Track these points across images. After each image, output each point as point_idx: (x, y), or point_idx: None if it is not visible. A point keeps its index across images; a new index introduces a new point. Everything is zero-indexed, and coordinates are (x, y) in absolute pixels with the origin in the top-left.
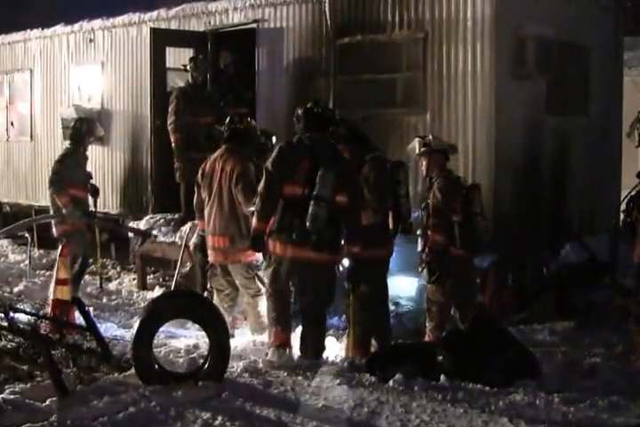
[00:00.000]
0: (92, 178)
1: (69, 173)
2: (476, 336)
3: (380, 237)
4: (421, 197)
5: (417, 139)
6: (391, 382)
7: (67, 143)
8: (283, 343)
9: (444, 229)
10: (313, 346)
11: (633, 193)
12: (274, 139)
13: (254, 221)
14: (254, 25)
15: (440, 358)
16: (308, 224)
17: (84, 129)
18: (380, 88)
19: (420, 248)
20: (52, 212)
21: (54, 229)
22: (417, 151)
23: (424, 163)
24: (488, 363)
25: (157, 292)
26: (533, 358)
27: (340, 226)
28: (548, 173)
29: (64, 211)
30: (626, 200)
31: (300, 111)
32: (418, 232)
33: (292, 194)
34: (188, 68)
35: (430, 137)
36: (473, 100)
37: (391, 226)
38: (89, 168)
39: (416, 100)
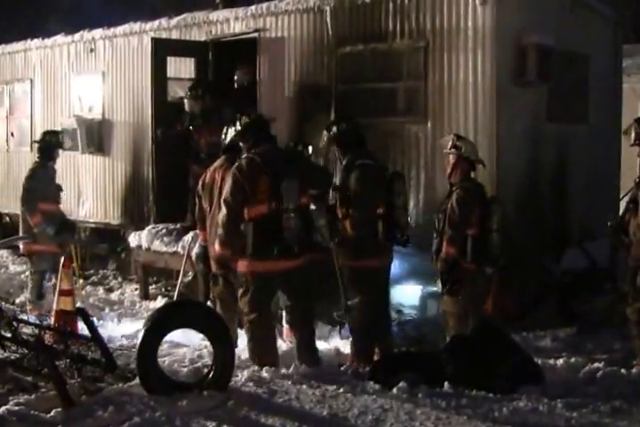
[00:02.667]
0: (62, 190)
1: (41, 189)
2: (479, 343)
3: (371, 247)
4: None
5: (452, 135)
6: (395, 390)
7: (36, 157)
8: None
9: (457, 242)
10: (313, 349)
11: (627, 198)
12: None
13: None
14: (255, 34)
15: (443, 365)
16: (285, 238)
17: (53, 142)
18: (380, 97)
19: (434, 248)
20: (21, 228)
21: (21, 247)
22: (446, 149)
23: (450, 164)
24: (491, 370)
25: (160, 302)
26: (536, 364)
27: (310, 223)
28: (548, 181)
29: (35, 230)
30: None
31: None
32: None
33: (259, 213)
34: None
35: (465, 141)
36: (474, 109)
37: (380, 236)
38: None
39: (417, 109)
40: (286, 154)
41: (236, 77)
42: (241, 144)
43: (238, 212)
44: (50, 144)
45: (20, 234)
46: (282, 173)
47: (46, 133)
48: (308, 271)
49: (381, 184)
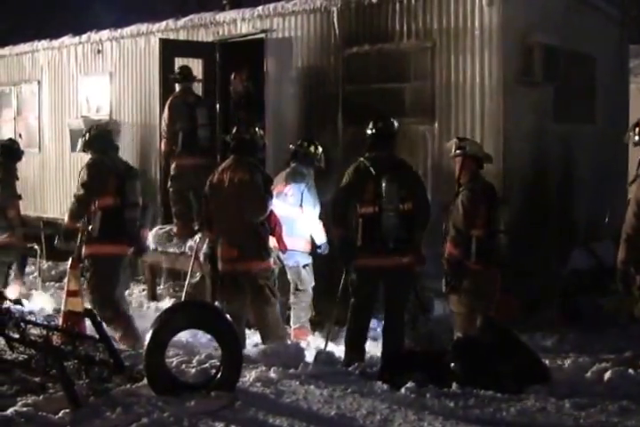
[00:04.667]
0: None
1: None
2: (486, 343)
3: (378, 248)
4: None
5: (455, 139)
6: (403, 390)
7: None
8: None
9: (461, 243)
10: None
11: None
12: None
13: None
14: (262, 35)
15: (451, 365)
16: (384, 235)
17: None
18: (388, 97)
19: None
20: None
21: None
22: (451, 153)
23: (456, 166)
24: (499, 370)
25: (168, 302)
26: (543, 364)
27: (410, 230)
28: (555, 181)
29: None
30: None
31: (368, 131)
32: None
33: (366, 212)
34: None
35: (468, 141)
36: (481, 109)
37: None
38: None
39: (424, 110)
40: (395, 160)
41: (231, 87)
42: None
43: (346, 209)
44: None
45: None
46: (384, 177)
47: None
48: (403, 271)
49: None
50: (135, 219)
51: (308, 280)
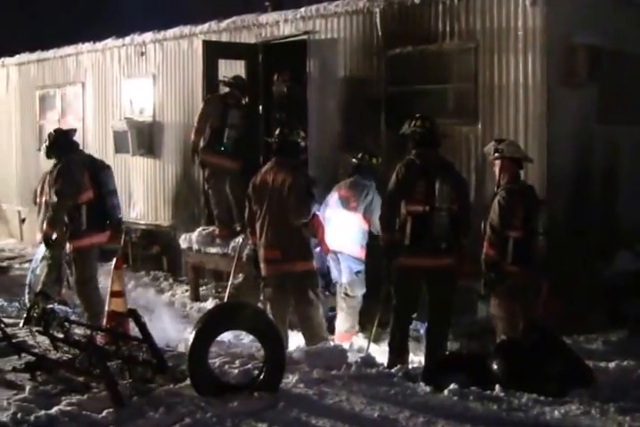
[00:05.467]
0: None
1: None
2: (529, 346)
3: (428, 247)
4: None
5: (493, 142)
6: (446, 392)
7: None
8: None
9: (497, 245)
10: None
11: None
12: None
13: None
14: (305, 36)
15: (494, 367)
16: (435, 234)
17: None
18: (430, 99)
19: None
20: None
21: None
22: (490, 155)
23: (496, 168)
24: (542, 373)
25: (210, 303)
26: (587, 367)
27: (457, 231)
28: (599, 183)
29: None
30: None
31: (408, 130)
32: None
33: (414, 211)
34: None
35: (505, 143)
36: (524, 110)
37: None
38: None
39: (467, 111)
40: (443, 159)
41: (274, 87)
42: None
43: (397, 207)
44: None
45: None
46: (437, 176)
47: None
48: (449, 272)
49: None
50: (117, 205)
51: (360, 287)
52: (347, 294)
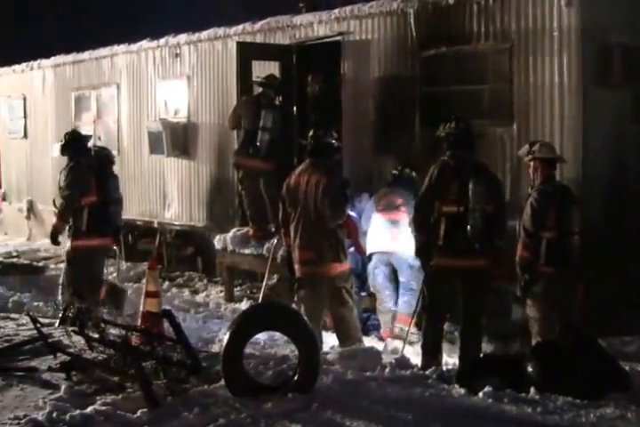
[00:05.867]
0: None
1: None
2: (565, 348)
3: (461, 248)
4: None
5: (527, 145)
6: (480, 395)
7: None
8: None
9: (530, 246)
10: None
11: None
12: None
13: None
14: (339, 38)
15: (529, 370)
16: (469, 235)
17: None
18: (465, 99)
19: None
20: None
21: None
22: (524, 157)
23: (530, 170)
24: (578, 375)
25: (245, 304)
26: (623, 370)
27: (491, 233)
28: (635, 184)
29: None
30: None
31: (442, 132)
32: None
33: (449, 211)
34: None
35: (538, 144)
36: (560, 111)
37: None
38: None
39: (502, 112)
40: (477, 161)
41: (308, 88)
42: None
43: (431, 209)
44: None
45: None
46: (470, 177)
47: None
48: (483, 273)
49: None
50: (119, 213)
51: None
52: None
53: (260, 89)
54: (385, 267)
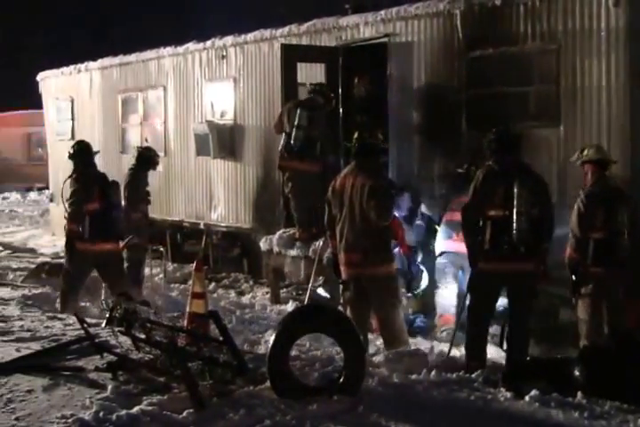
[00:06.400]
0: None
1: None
2: (614, 352)
3: (507, 252)
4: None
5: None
6: (527, 398)
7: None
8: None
9: (578, 247)
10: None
11: None
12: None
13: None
14: (385, 39)
15: (577, 374)
16: (514, 239)
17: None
18: (511, 101)
19: None
20: None
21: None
22: (575, 162)
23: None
24: (626, 380)
25: (290, 306)
26: None
27: (537, 237)
28: None
29: None
30: None
31: (491, 136)
32: None
33: (496, 215)
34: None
35: (587, 147)
36: (607, 112)
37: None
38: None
39: (549, 113)
40: (523, 164)
41: (354, 90)
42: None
43: (478, 213)
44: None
45: None
46: (515, 180)
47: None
48: (529, 277)
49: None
50: (118, 218)
51: None
52: None
53: (310, 95)
54: (454, 268)
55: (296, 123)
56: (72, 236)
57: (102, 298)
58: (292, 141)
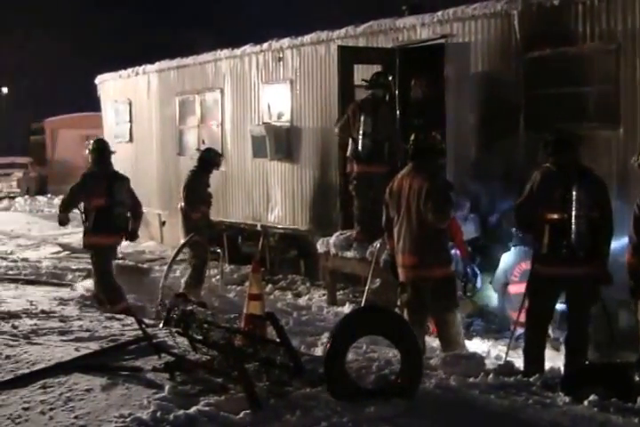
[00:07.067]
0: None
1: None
2: None
3: (565, 256)
4: None
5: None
6: (586, 403)
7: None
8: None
9: (635, 251)
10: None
11: None
12: None
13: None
14: (442, 40)
15: (637, 379)
16: (573, 242)
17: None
18: (570, 102)
19: None
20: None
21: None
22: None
23: None
24: None
25: (347, 308)
26: None
27: (596, 240)
28: None
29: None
30: None
31: (549, 139)
32: None
33: (552, 218)
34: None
35: None
36: None
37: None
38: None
39: (608, 114)
40: (581, 166)
41: (412, 92)
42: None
43: (529, 215)
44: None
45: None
46: (574, 182)
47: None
48: (588, 281)
49: None
50: (122, 214)
51: None
52: None
53: (368, 92)
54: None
55: (361, 131)
56: (61, 224)
57: (160, 299)
58: (359, 149)
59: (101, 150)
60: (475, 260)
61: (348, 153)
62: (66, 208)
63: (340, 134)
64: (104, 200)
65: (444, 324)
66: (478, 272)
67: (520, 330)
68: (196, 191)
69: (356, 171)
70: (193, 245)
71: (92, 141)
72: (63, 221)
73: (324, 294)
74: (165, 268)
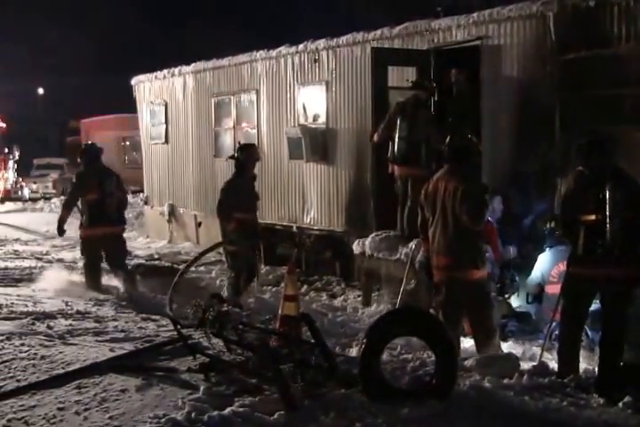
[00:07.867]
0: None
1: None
2: None
3: (601, 257)
4: None
5: None
6: (620, 405)
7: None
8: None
9: None
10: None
11: None
12: None
13: None
14: (478, 42)
15: None
16: (608, 243)
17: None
18: (606, 104)
19: None
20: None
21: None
22: None
23: None
24: None
25: (382, 309)
26: None
27: (632, 240)
28: None
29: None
30: None
31: (582, 142)
32: None
33: (589, 219)
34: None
35: None
36: None
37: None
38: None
39: None
40: (616, 168)
41: (453, 79)
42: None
43: (571, 218)
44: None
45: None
46: (608, 184)
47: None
48: (624, 283)
49: None
50: (112, 205)
51: None
52: None
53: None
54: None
55: (397, 134)
56: (60, 222)
57: (195, 300)
58: (395, 151)
59: (91, 152)
60: (511, 262)
61: (389, 154)
62: (68, 208)
63: (378, 141)
64: (97, 194)
65: (479, 325)
66: (514, 273)
67: (555, 331)
68: (225, 202)
69: (397, 173)
70: (231, 255)
71: (84, 145)
72: (63, 219)
73: (359, 295)
74: (200, 268)
